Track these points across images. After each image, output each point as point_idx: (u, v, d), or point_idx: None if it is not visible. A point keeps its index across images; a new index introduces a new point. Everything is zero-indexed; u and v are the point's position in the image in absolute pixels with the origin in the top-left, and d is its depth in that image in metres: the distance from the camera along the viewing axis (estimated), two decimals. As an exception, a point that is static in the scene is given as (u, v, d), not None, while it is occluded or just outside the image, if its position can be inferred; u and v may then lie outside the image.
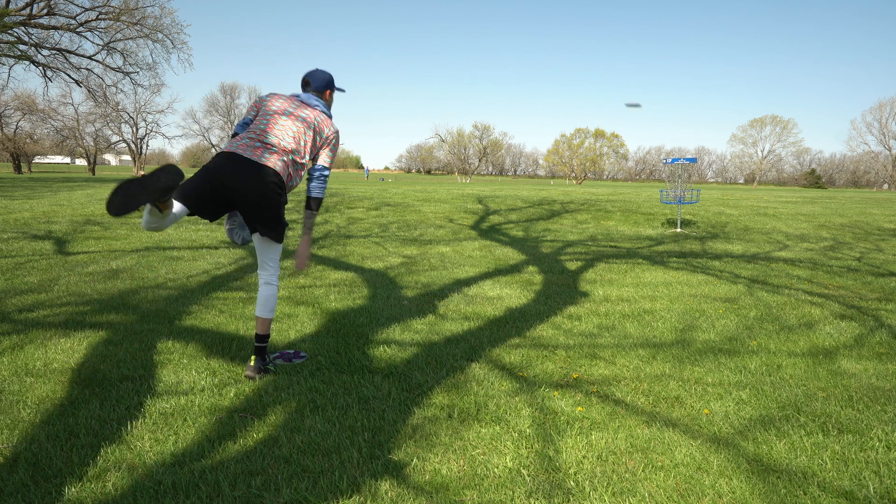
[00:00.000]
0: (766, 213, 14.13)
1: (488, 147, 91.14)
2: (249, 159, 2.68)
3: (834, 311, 4.64)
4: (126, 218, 9.61)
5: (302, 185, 14.07)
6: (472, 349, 3.45)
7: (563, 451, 2.24)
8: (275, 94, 2.96)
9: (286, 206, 3.10)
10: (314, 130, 2.90)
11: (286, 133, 2.81)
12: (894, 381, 3.09)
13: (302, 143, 2.84)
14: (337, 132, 2.99)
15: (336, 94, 3.17)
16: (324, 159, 2.95)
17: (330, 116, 3.04)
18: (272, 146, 2.77)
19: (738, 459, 2.20)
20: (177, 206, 2.59)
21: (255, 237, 2.92)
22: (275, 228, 2.79)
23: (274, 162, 2.73)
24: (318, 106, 2.97)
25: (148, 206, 2.35)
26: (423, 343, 3.55)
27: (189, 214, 2.70)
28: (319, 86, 3.06)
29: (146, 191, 2.17)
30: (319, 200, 2.95)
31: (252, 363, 2.91)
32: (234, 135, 2.89)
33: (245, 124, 2.93)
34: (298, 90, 3.06)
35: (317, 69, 3.10)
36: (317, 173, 2.93)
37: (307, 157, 2.87)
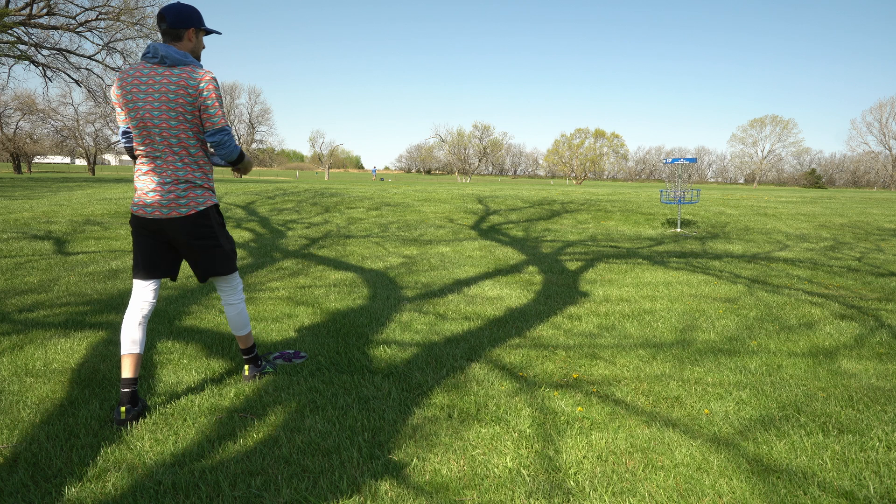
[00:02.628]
0: (767, 213, 14.12)
1: (488, 147, 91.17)
2: (160, 220, 2.45)
3: (834, 311, 4.64)
4: (126, 219, 9.61)
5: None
6: (472, 349, 3.45)
7: (563, 451, 2.24)
8: (125, 79, 2.38)
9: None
10: (185, 100, 2.37)
11: (166, 147, 2.42)
12: (894, 381, 3.09)
13: (188, 138, 2.44)
14: (205, 77, 2.39)
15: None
16: (209, 123, 2.43)
17: (194, 64, 2.42)
18: (168, 179, 2.43)
19: (738, 459, 2.20)
20: (147, 286, 2.54)
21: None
22: (221, 258, 2.63)
23: (181, 202, 2.46)
24: (174, 62, 2.38)
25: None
26: (423, 343, 3.55)
27: (167, 277, 2.62)
28: (174, 22, 2.40)
29: None
30: (238, 158, 2.57)
31: (247, 372, 2.89)
32: (130, 148, 2.50)
33: (127, 133, 2.48)
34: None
35: (178, 2, 2.45)
36: (212, 143, 2.48)
37: (198, 138, 2.49)
